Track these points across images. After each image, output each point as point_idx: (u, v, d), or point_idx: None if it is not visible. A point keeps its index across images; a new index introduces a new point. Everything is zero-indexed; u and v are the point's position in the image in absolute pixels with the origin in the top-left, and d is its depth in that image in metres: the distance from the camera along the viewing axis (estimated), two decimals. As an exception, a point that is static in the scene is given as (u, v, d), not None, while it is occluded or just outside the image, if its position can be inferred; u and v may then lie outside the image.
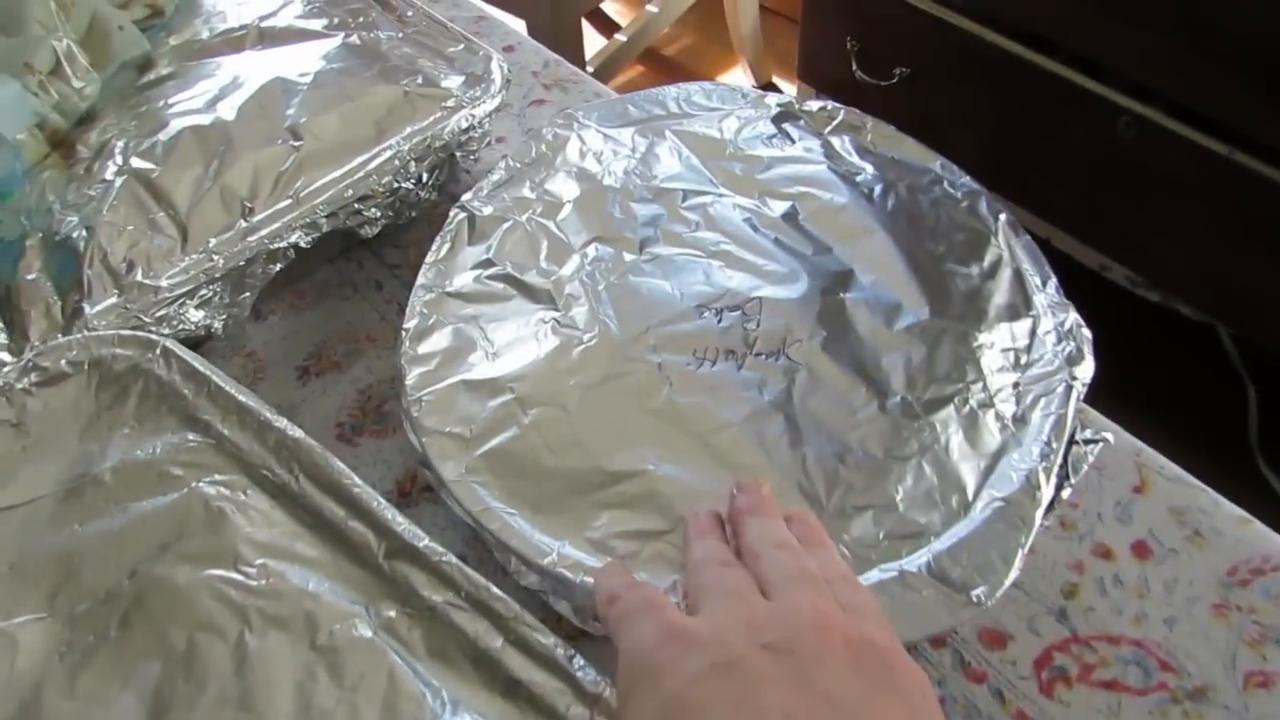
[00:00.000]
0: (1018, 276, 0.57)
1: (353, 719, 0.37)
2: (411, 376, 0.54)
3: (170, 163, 0.63)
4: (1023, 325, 0.54)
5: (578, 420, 0.51)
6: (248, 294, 0.62)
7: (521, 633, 0.39)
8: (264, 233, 0.60)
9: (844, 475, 0.49)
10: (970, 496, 0.48)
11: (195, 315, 0.59)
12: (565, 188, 0.62)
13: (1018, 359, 0.53)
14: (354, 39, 0.70)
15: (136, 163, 0.63)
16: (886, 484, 0.48)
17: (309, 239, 0.62)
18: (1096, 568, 0.51)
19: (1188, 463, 0.55)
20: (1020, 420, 0.50)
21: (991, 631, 0.49)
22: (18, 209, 0.62)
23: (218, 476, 0.43)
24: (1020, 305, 0.55)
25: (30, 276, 0.59)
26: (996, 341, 0.54)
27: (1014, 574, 0.45)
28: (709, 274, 0.57)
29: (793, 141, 0.65)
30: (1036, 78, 1.36)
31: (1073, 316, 0.54)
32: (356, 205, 0.63)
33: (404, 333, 0.56)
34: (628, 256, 0.58)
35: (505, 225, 0.60)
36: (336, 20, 0.73)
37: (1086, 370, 0.52)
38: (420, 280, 0.58)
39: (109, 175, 0.63)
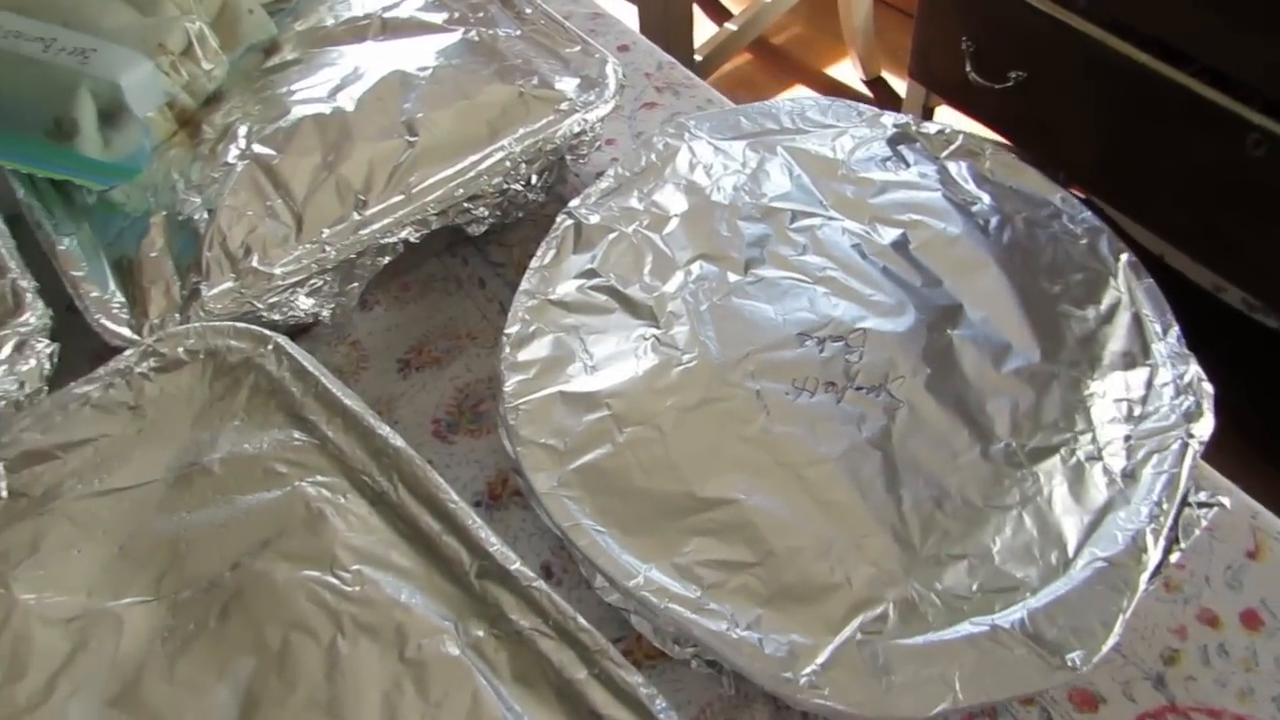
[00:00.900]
0: (1137, 322, 0.55)
1: (435, 735, 0.37)
2: (510, 383, 0.54)
3: (290, 150, 0.64)
4: (1139, 375, 0.52)
5: (672, 442, 0.51)
6: (356, 284, 0.63)
7: (606, 667, 0.39)
8: (376, 227, 0.61)
9: (940, 521, 0.48)
10: (1071, 553, 0.47)
11: (305, 303, 0.61)
12: (673, 200, 0.62)
13: (1131, 411, 0.51)
14: (473, 35, 0.71)
15: (258, 148, 0.64)
16: (984, 533, 0.47)
17: (419, 235, 0.62)
18: (1201, 635, 0.49)
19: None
20: (1130, 476, 0.49)
21: (1084, 693, 0.48)
22: (144, 185, 0.64)
23: (320, 478, 0.44)
24: (1137, 353, 0.53)
25: (153, 254, 0.61)
26: (1109, 391, 0.52)
27: (1113, 640, 0.43)
28: (813, 301, 0.56)
29: (907, 165, 0.63)
30: (1161, 88, 1.31)
31: (1194, 369, 0.52)
32: (466, 204, 0.63)
33: (505, 337, 0.56)
34: (732, 277, 0.58)
35: (611, 235, 0.60)
36: (457, 14, 0.73)
37: (1205, 428, 0.50)
38: (524, 285, 0.59)
39: (231, 158, 0.64)
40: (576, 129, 0.65)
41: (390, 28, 0.72)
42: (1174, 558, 0.46)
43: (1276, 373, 1.44)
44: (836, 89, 2.11)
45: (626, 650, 0.49)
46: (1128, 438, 0.50)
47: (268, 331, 0.51)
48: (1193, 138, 1.30)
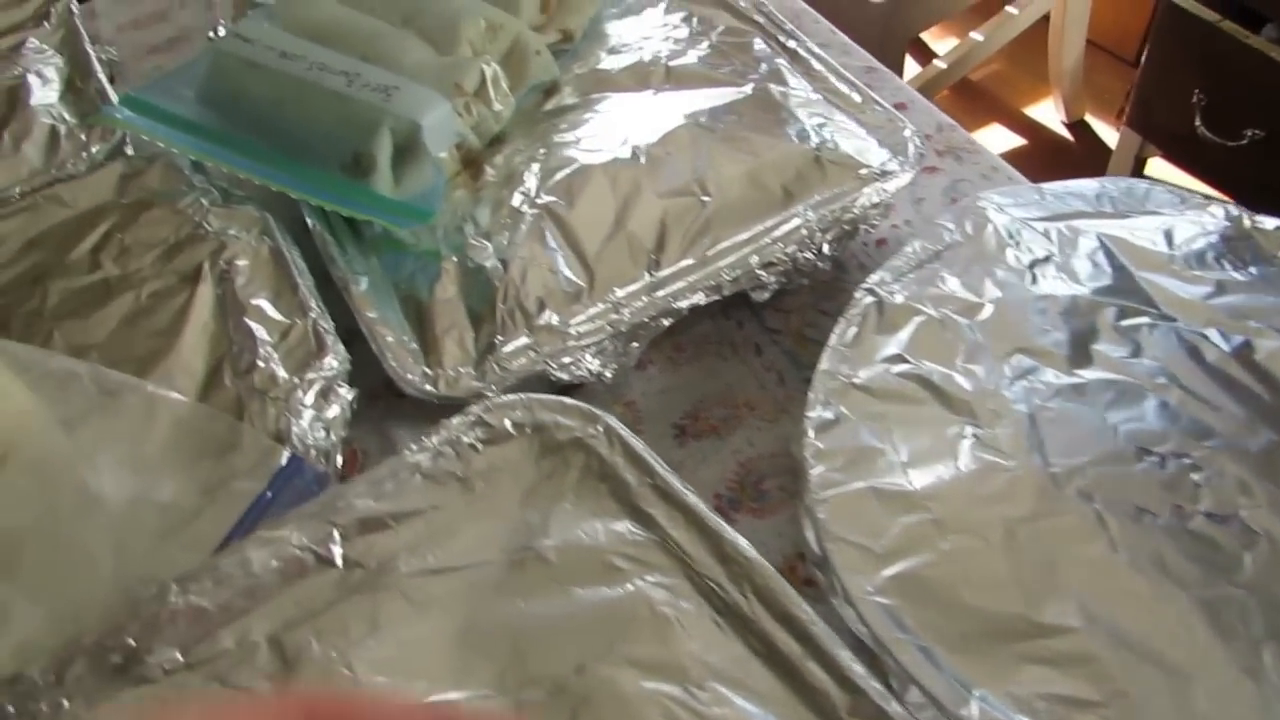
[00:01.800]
0: None
1: None
2: (816, 472, 0.52)
3: (580, 201, 0.63)
4: None
5: (1002, 557, 0.48)
6: (637, 345, 0.62)
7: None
8: (669, 290, 0.60)
9: (1314, 678, 0.43)
10: None
11: (592, 364, 0.59)
12: (984, 284, 0.58)
13: None
14: (764, 91, 0.69)
15: (547, 197, 0.63)
16: (1365, 698, 0.43)
17: (709, 300, 0.61)
18: None
19: None
20: None
21: None
22: (433, 226, 0.64)
23: (662, 578, 0.43)
24: None
25: (446, 300, 0.61)
26: None
27: None
28: (1149, 411, 0.52)
29: (1244, 263, 0.58)
30: None
31: None
32: (759, 271, 0.61)
33: (806, 420, 0.54)
34: (1055, 376, 0.54)
35: (919, 319, 0.57)
36: (743, 67, 0.71)
37: None
38: (824, 365, 0.56)
39: (518, 204, 0.64)
40: (875, 199, 0.62)
41: (675, 77, 0.71)
42: None
43: None
44: (1036, 131, 2.03)
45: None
46: None
47: (596, 410, 0.49)
48: None
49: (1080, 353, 0.55)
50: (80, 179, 0.67)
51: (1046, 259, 0.59)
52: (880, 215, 0.64)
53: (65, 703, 0.40)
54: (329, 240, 0.64)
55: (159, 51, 0.90)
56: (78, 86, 0.76)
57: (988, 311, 0.57)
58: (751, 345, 0.65)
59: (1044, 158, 1.95)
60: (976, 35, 1.75)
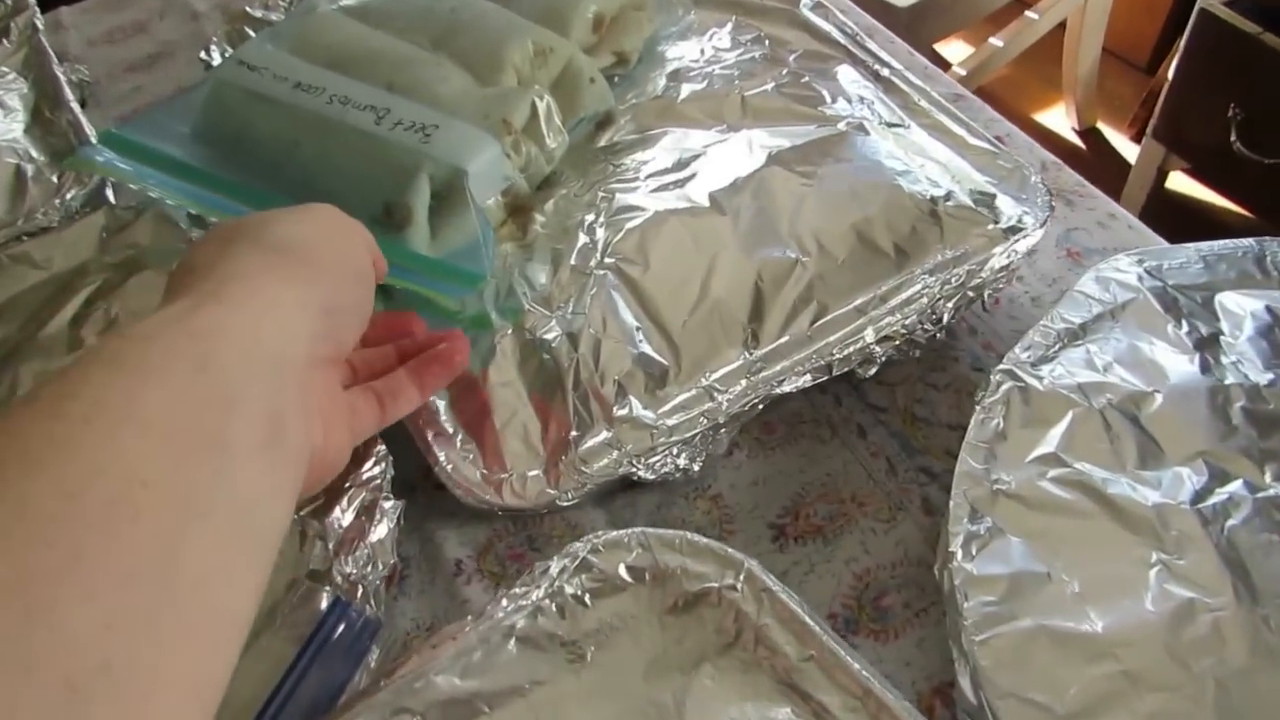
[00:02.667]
0: None
1: None
2: (972, 605, 0.43)
3: (655, 259, 0.54)
4: None
5: (1217, 723, 0.39)
6: (725, 430, 0.52)
7: None
8: (771, 371, 0.50)
9: None
10: None
11: (680, 459, 0.50)
12: (1148, 370, 0.49)
13: None
14: (858, 127, 0.59)
15: (614, 254, 0.54)
16: None
17: (816, 381, 0.51)
18: None
19: None
20: None
21: None
22: (483, 292, 0.54)
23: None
24: None
25: (503, 385, 0.51)
26: None
27: None
28: (1371, 531, 0.44)
29: None
30: None
31: None
32: (873, 346, 0.52)
33: (950, 536, 0.45)
34: (1250, 489, 0.45)
35: (1073, 411, 0.48)
36: (829, 97, 0.62)
37: None
38: (963, 465, 0.47)
39: (580, 261, 0.54)
40: (1005, 260, 0.53)
41: (753, 111, 0.61)
42: None
43: None
44: (1047, 138, 1.95)
45: None
46: None
47: (735, 553, 0.40)
48: None
49: (1275, 458, 0.46)
50: (54, 233, 0.56)
51: (1214, 337, 0.51)
52: (1006, 279, 0.55)
53: None
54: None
55: (138, 70, 0.78)
56: (46, 117, 0.64)
57: (1157, 403, 0.48)
58: (853, 425, 0.56)
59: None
60: (996, 41, 1.67)
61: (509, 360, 0.51)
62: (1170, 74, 1.53)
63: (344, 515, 0.44)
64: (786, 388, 0.50)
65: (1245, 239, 0.55)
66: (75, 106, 0.65)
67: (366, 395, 0.44)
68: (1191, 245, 0.55)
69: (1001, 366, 0.50)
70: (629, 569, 0.40)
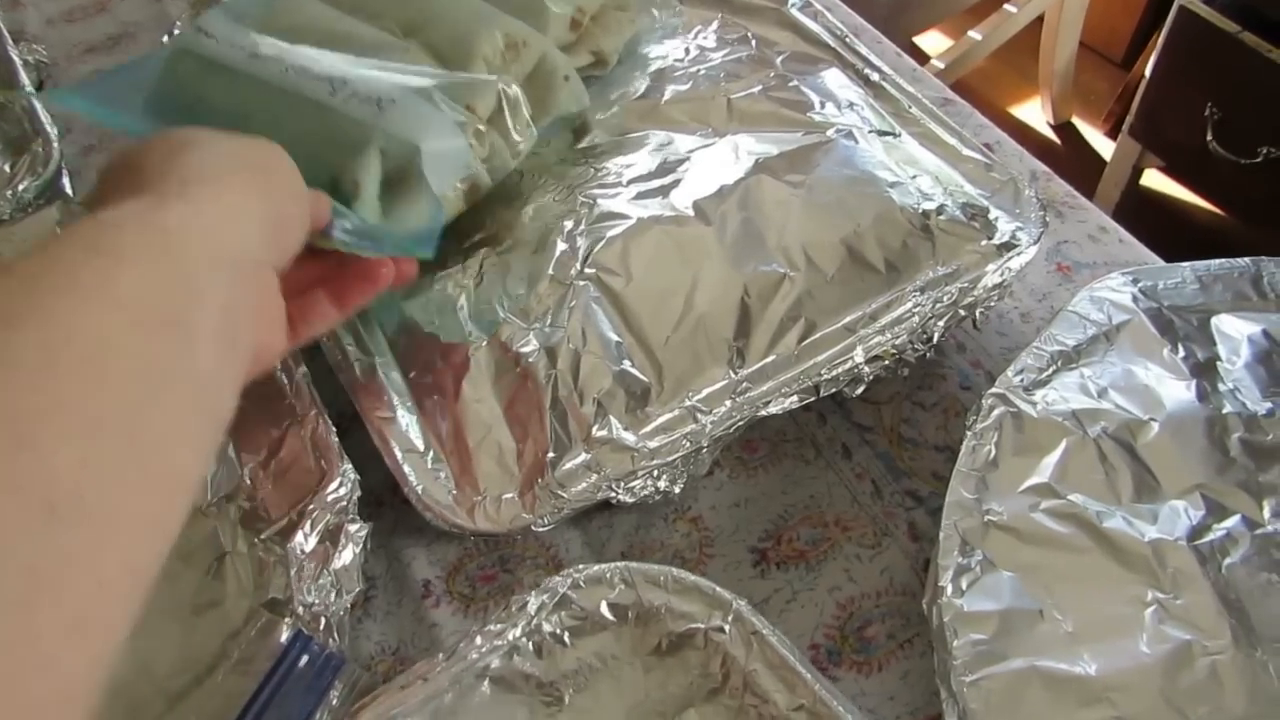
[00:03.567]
0: None
1: None
2: (960, 645, 0.41)
3: (638, 270, 0.52)
4: None
5: (1216, 776, 0.38)
6: (707, 449, 0.50)
7: None
8: (757, 392, 0.49)
9: None
10: None
11: (661, 482, 0.48)
12: (1144, 396, 0.48)
13: None
14: (848, 134, 0.57)
15: (595, 264, 0.52)
16: None
17: (803, 403, 0.49)
18: None
19: None
20: None
21: None
22: (456, 301, 0.52)
23: None
24: None
25: (478, 402, 0.49)
26: None
27: None
28: (1370, 571, 0.42)
29: None
30: None
31: None
32: (863, 365, 0.50)
33: (940, 570, 0.43)
34: (1247, 525, 0.44)
35: (1067, 439, 0.47)
36: (818, 102, 0.60)
37: None
38: (953, 495, 0.45)
39: (558, 271, 0.52)
40: (999, 278, 0.52)
41: (739, 115, 0.59)
42: None
43: None
44: (1022, 132, 1.94)
45: None
46: None
47: (724, 592, 0.38)
48: None
49: (1274, 491, 0.45)
50: (4, 226, 0.53)
51: (1210, 363, 0.49)
52: (999, 297, 0.53)
53: None
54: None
55: (98, 51, 0.74)
56: (-1, 101, 0.61)
57: (1153, 433, 0.47)
58: (838, 445, 0.55)
59: (1030, 161, 1.87)
60: (975, 34, 1.66)
61: (483, 375, 0.49)
62: (1147, 71, 1.52)
63: (307, 540, 0.42)
64: (773, 409, 0.49)
65: (1241, 259, 0.53)
66: (30, 91, 0.61)
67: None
68: (1187, 265, 0.53)
69: (993, 390, 0.48)
70: (611, 606, 0.38)
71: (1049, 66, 1.87)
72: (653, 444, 0.47)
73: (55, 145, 0.58)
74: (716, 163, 0.56)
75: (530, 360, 0.49)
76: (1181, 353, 0.50)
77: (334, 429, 0.47)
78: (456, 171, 0.53)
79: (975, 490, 0.46)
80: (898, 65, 0.71)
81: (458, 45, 0.57)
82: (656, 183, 0.56)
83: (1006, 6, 1.70)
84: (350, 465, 0.46)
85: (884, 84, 0.61)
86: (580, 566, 0.39)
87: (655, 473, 0.47)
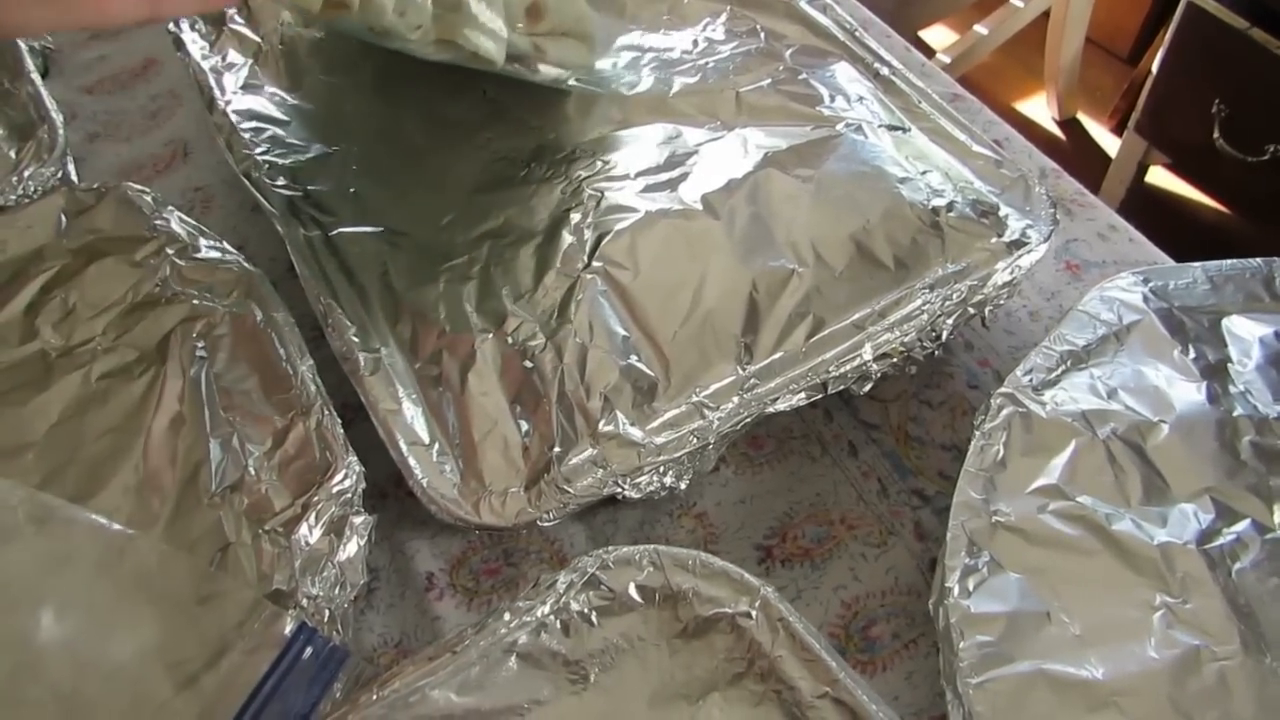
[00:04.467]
0: None
1: None
2: (966, 647, 0.41)
3: (645, 264, 0.52)
4: None
5: (1224, 781, 0.38)
6: (713, 445, 0.50)
7: None
8: (765, 389, 0.48)
9: None
10: None
11: (667, 478, 0.48)
12: (1154, 398, 0.48)
13: None
14: (858, 129, 0.57)
15: (602, 257, 0.52)
16: None
17: (810, 400, 0.49)
18: None
19: None
20: None
21: None
22: (463, 289, 0.51)
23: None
24: None
25: (483, 394, 0.48)
26: None
27: None
28: (1379, 576, 0.42)
29: None
30: None
31: None
32: (870, 364, 0.50)
33: (946, 569, 0.43)
34: (1258, 530, 0.44)
35: (1076, 440, 0.46)
36: (827, 96, 0.59)
37: None
38: (960, 495, 0.45)
39: (565, 263, 0.52)
40: (1008, 276, 0.52)
41: (749, 109, 0.59)
42: None
43: None
44: (1027, 128, 1.94)
45: None
46: None
47: (752, 578, 0.38)
48: None
49: (1282, 495, 0.45)
50: (9, 213, 0.53)
51: (1221, 364, 0.49)
52: (1008, 295, 0.53)
53: None
54: (334, 305, 0.51)
55: (102, 37, 0.74)
56: (4, 88, 0.60)
57: (1163, 435, 0.46)
58: (844, 443, 0.54)
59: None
60: (981, 29, 1.65)
61: (489, 368, 0.49)
62: (1154, 68, 1.51)
63: (311, 532, 0.42)
64: (780, 406, 0.48)
65: (1253, 259, 0.53)
66: (36, 77, 0.61)
67: None
68: (1198, 264, 0.53)
69: (1002, 390, 0.48)
70: (639, 588, 0.38)
71: (1054, 62, 1.86)
72: (659, 440, 0.46)
73: (60, 132, 0.57)
74: (725, 156, 0.56)
75: (537, 354, 0.49)
76: (1192, 354, 0.49)
77: (339, 421, 0.47)
78: None
79: (983, 491, 0.45)
80: (907, 60, 0.71)
81: None
82: (665, 176, 0.56)
83: (1012, 1, 1.70)
84: (355, 457, 0.45)
85: (893, 78, 0.61)
86: (610, 548, 0.39)
87: (661, 469, 0.47)
